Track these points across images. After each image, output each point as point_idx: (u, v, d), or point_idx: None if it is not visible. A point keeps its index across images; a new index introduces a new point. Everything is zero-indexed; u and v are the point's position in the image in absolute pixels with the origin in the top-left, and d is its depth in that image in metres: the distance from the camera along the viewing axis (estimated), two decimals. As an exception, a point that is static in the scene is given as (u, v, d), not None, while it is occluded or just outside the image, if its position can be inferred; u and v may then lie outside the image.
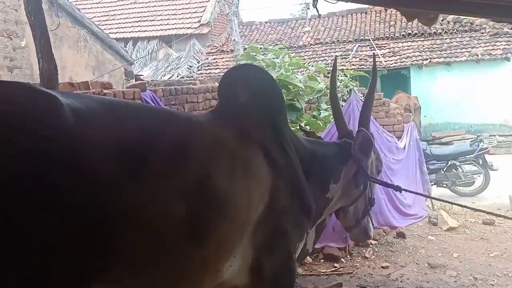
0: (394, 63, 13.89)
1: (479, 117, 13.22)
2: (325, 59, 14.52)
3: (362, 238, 3.02)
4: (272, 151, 2.16)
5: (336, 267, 4.85)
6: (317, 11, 3.96)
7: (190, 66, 16.20)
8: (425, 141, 10.68)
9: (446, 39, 14.57)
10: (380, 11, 17.19)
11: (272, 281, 2.18)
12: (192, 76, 14.94)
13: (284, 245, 2.23)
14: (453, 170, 8.35)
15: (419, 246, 5.38)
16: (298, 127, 5.09)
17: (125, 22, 18.02)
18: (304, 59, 14.11)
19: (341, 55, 14.53)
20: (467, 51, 13.61)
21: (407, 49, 14.50)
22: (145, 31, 17.41)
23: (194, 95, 5.56)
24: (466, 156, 8.28)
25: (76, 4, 11.07)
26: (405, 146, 6.62)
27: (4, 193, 1.19)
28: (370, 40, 15.39)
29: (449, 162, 8.32)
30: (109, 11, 18.66)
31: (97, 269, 1.40)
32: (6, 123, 1.25)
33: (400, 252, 5.25)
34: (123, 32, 17.39)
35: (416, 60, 13.80)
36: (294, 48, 15.90)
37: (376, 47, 14.85)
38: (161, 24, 17.54)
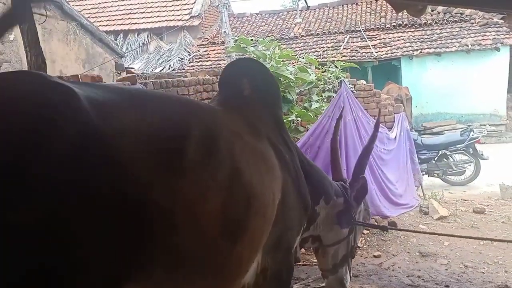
0: (385, 54, 13.92)
1: (470, 107, 13.31)
2: (317, 51, 14.52)
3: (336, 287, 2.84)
4: (278, 146, 2.15)
5: (328, 257, 4.88)
6: (306, 2, 3.97)
7: (181, 59, 16.13)
8: (416, 131, 10.76)
9: (436, 29, 14.62)
10: (371, 2, 17.20)
11: (273, 277, 2.16)
12: (183, 69, 14.89)
13: (288, 241, 2.23)
14: (444, 159, 8.42)
15: (410, 235, 5.43)
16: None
17: (116, 15, 17.88)
18: (296, 50, 14.11)
19: (332, 47, 14.53)
20: (457, 42, 13.66)
21: (398, 40, 14.53)
22: (136, 23, 17.29)
23: (185, 88, 5.54)
24: (457, 146, 8.34)
25: (65, -3, 10.96)
26: (396, 136, 6.64)
27: (36, 195, 1.08)
28: (361, 31, 15.39)
29: (440, 152, 8.38)
30: (99, 3, 18.49)
31: (132, 267, 1.30)
32: (22, 121, 1.12)
33: (391, 241, 5.30)
34: (113, 25, 17.27)
35: (407, 51, 13.83)
36: (285, 40, 15.87)
37: (367, 38, 14.86)
38: (151, 17, 17.43)
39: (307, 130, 5.39)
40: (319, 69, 7.22)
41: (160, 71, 14.79)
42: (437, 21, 14.84)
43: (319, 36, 16.01)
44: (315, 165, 2.63)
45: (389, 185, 6.03)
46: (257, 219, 1.76)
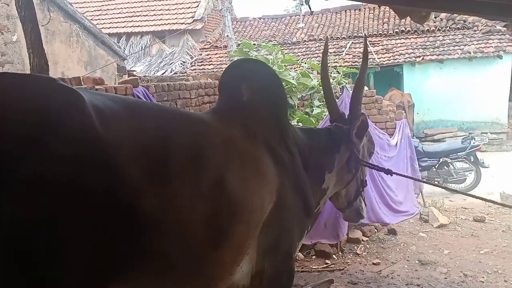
0: (387, 60, 13.92)
1: (471, 115, 13.29)
2: (319, 56, 14.50)
3: (354, 218, 2.98)
4: (277, 150, 2.14)
5: (327, 263, 4.87)
6: (310, 8, 3.96)
7: (184, 62, 16.16)
8: (418, 138, 10.74)
9: (439, 36, 14.62)
10: (374, 8, 17.20)
11: (272, 281, 2.16)
12: (185, 72, 14.90)
13: (287, 246, 2.22)
14: (445, 167, 8.42)
15: (410, 243, 5.42)
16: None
17: (118, 17, 17.93)
18: (298, 55, 14.13)
19: (334, 52, 14.54)
20: (459, 49, 13.66)
21: (400, 46, 14.53)
22: (139, 26, 17.33)
23: (187, 91, 5.54)
24: (458, 154, 8.33)
25: (68, -1, 11.00)
26: (397, 143, 6.63)
27: (31, 195, 1.14)
28: (363, 37, 15.39)
29: (441, 159, 8.38)
30: (102, 6, 18.55)
31: (117, 269, 1.37)
32: (30, 121, 1.18)
33: (391, 248, 5.28)
34: (116, 27, 17.32)
35: (409, 57, 13.83)
36: (288, 45, 15.89)
37: (370, 44, 14.87)
38: (154, 20, 17.47)
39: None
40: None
41: (162, 74, 14.81)
42: (440, 28, 14.85)
43: (321, 41, 15.99)
44: (315, 145, 2.58)
45: (389, 192, 6.02)
46: (240, 225, 1.80)
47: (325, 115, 5.57)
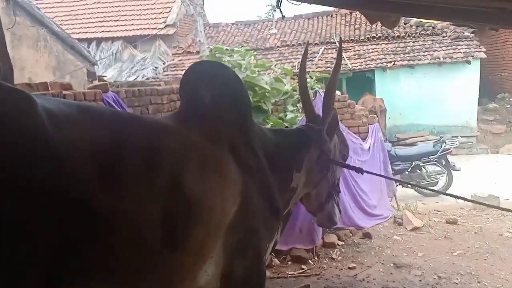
0: (359, 65, 14.07)
1: (442, 119, 13.53)
2: (292, 61, 14.58)
3: (326, 223, 2.94)
4: (240, 152, 2.13)
5: (303, 269, 4.84)
6: (281, 12, 3.95)
7: (156, 67, 15.98)
8: (390, 142, 10.89)
9: (409, 42, 14.87)
10: (345, 14, 17.40)
11: (242, 284, 2.15)
12: (158, 78, 14.73)
13: (255, 247, 2.20)
14: (417, 170, 8.55)
15: (385, 246, 5.44)
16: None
17: (89, 22, 17.61)
18: (271, 61, 14.10)
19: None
20: (429, 54, 13.91)
21: (372, 52, 14.72)
22: (109, 31, 17.06)
23: (158, 97, 5.43)
24: (430, 157, 8.47)
25: (36, 3, 10.75)
26: (369, 147, 6.67)
27: None
28: (335, 43, 15.54)
29: (413, 163, 8.51)
30: (72, 10, 18.20)
31: (65, 270, 1.36)
32: None
33: (366, 252, 5.28)
34: (86, 33, 17.00)
35: (381, 63, 14.02)
36: (261, 50, 15.90)
37: (342, 49, 15.01)
38: (125, 25, 17.23)
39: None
40: (294, 79, 7.23)
41: (134, 79, 14.61)
42: (410, 34, 15.11)
43: (294, 47, 16.10)
44: (283, 144, 2.56)
45: (363, 196, 6.05)
46: (198, 227, 1.79)
47: (298, 119, 5.56)
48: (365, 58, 14.41)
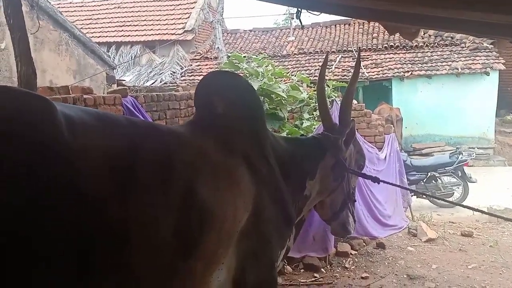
0: (376, 74, 14.05)
1: (459, 130, 13.42)
2: (308, 69, 14.61)
3: (340, 232, 2.91)
4: (254, 161, 2.15)
5: (316, 277, 4.83)
6: (300, 22, 3.97)
7: (174, 72, 16.13)
8: (406, 152, 10.82)
9: (427, 52, 14.80)
10: (363, 23, 17.38)
11: None
12: (175, 82, 14.87)
13: (267, 255, 2.22)
14: (433, 181, 8.48)
15: (398, 257, 5.40)
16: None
17: (109, 26, 17.90)
18: (288, 68, 14.18)
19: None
20: (447, 65, 13.83)
21: (389, 61, 14.68)
22: (129, 35, 17.31)
23: (176, 102, 5.51)
24: (446, 168, 8.40)
25: (58, 7, 10.96)
26: (385, 157, 6.64)
27: None
28: (353, 51, 15.53)
29: (429, 174, 8.45)
30: (93, 15, 18.51)
31: (78, 279, 1.37)
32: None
33: (379, 262, 5.25)
34: (106, 37, 17.26)
35: (398, 72, 13.97)
36: (278, 57, 15.96)
37: (360, 59, 14.98)
38: (145, 29, 17.46)
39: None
40: (310, 87, 7.25)
41: (152, 84, 14.77)
42: (428, 44, 15.04)
43: (311, 54, 16.13)
44: (297, 152, 2.57)
45: (378, 206, 6.02)
46: (210, 234, 1.81)
47: (314, 128, 5.57)
48: (382, 67, 14.38)
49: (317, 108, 6.63)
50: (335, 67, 14.68)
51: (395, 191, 6.82)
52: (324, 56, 15.06)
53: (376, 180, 2.99)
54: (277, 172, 2.30)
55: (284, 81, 7.60)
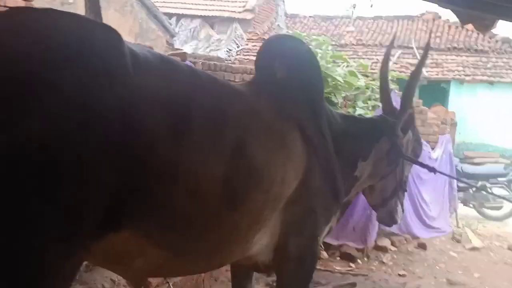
0: (436, 74, 13.57)
1: (516, 143, 12.82)
2: (365, 60, 14.28)
3: (387, 219, 2.81)
4: (307, 129, 2.11)
5: (351, 267, 4.76)
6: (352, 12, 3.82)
7: (230, 50, 16.15)
8: (457, 158, 10.43)
9: (492, 57, 14.14)
10: (428, 20, 16.79)
11: (296, 262, 2.16)
12: (230, 60, 14.91)
13: (312, 227, 2.20)
14: (482, 191, 8.12)
15: (439, 260, 5.23)
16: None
17: (171, -3, 18.05)
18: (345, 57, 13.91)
19: (382, 60, 14.23)
20: (512, 73, 13.20)
21: (450, 62, 14.13)
22: (190, 9, 17.42)
23: (232, 74, 5.48)
24: (498, 179, 8.04)
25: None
26: (437, 157, 6.42)
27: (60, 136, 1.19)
28: (413, 48, 15.03)
29: (479, 183, 8.09)
30: (157, -16, 18.72)
31: (129, 214, 1.41)
32: (69, 51, 1.26)
33: (419, 263, 5.11)
34: (168, 7, 17.41)
35: (459, 75, 13.43)
36: (335, 46, 15.67)
37: (419, 56, 14.52)
38: (206, 4, 17.52)
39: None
40: (367, 76, 7.06)
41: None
42: (494, 50, 14.36)
43: (370, 47, 15.75)
44: (352, 131, 2.50)
45: (424, 206, 5.83)
46: (257, 192, 1.80)
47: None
48: (442, 67, 13.87)
49: (371, 98, 6.47)
50: (393, 62, 14.26)
51: (443, 193, 6.60)
52: (381, 51, 14.68)
53: (432, 170, 2.88)
54: (330, 145, 2.25)
55: (342, 66, 7.43)
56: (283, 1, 12.02)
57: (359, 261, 4.89)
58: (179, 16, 17.35)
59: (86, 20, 1.49)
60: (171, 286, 3.45)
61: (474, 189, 8.12)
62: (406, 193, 5.16)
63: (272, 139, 1.92)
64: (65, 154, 1.21)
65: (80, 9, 6.56)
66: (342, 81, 5.80)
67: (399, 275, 4.71)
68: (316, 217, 2.20)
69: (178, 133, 1.49)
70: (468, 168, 8.41)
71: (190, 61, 4.81)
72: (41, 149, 1.16)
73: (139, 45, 1.63)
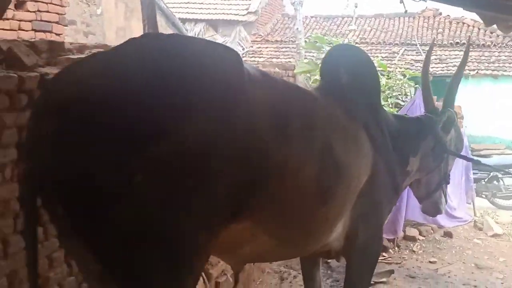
0: (441, 70, 13.83)
1: (522, 134, 13.09)
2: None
3: (431, 210, 3.11)
4: (372, 130, 2.38)
5: (384, 256, 5.01)
6: (404, 7, 4.09)
7: (235, 52, 16.36)
8: (465, 151, 10.66)
9: (494, 52, 14.41)
10: (429, 17, 17.04)
11: (363, 249, 2.41)
12: (236, 62, 15.11)
13: (377, 217, 2.47)
14: (494, 181, 8.38)
15: (465, 247, 5.51)
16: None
17: (174, 2, 18.21)
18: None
19: (386, 57, 14.51)
20: (516, 66, 13.47)
21: (454, 58, 14.38)
22: (193, 13, 17.64)
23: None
24: (510, 169, 8.27)
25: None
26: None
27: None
28: (416, 45, 15.30)
29: (491, 174, 8.35)
30: (160, -10, 18.89)
31: (247, 207, 1.63)
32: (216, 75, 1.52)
33: (447, 250, 5.38)
34: (172, 12, 17.60)
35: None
36: (341, 45, 15.89)
37: (423, 52, 14.79)
38: (209, 8, 17.73)
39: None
40: (383, 75, 7.32)
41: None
42: (496, 44, 14.62)
43: (373, 45, 15.99)
44: (403, 129, 2.77)
45: (446, 197, 6.10)
46: (342, 187, 2.05)
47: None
48: (447, 63, 14.14)
49: (390, 96, 6.75)
50: (398, 60, 14.53)
51: (460, 185, 6.86)
52: (385, 48, 14.75)
53: (476, 162, 3.22)
54: (389, 143, 2.53)
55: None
56: (301, 5, 12.27)
57: (391, 250, 5.16)
58: (183, 21, 17.47)
59: (213, 43, 1.76)
60: (230, 277, 3.70)
61: (486, 179, 8.38)
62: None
63: (349, 139, 2.18)
64: (214, 156, 1.44)
65: (107, 20, 6.83)
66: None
67: (430, 262, 4.99)
68: (381, 209, 2.47)
69: (285, 136, 1.72)
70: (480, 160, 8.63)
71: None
72: (199, 153, 1.40)
73: (256, 68, 1.90)
